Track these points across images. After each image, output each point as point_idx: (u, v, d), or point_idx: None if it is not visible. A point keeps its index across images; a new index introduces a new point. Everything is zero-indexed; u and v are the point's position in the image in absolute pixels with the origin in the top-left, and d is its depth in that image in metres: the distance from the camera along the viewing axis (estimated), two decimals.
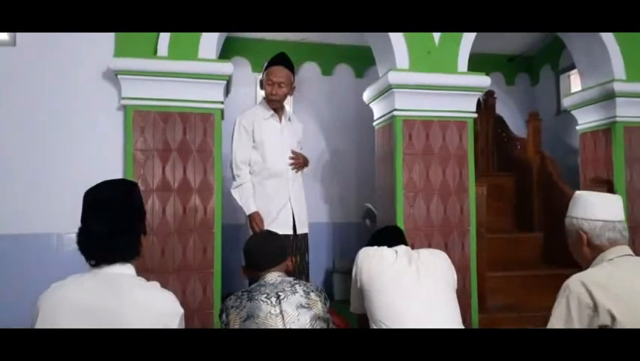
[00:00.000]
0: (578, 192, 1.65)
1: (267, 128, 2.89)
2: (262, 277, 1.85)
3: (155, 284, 1.36)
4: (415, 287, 1.86)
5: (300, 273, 2.81)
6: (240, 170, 2.85)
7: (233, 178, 2.87)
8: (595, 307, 1.36)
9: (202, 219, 2.81)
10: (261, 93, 2.99)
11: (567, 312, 1.40)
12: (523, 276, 3.47)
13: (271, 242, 1.98)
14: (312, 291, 1.83)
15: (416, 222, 3.08)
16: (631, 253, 1.53)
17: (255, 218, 2.81)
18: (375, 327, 1.86)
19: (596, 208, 1.56)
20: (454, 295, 1.95)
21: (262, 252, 1.91)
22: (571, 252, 1.64)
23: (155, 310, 1.28)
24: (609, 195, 1.64)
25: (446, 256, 2.07)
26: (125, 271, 1.34)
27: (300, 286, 1.82)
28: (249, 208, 2.82)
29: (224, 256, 2.88)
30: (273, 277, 1.84)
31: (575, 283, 1.43)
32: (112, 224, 1.32)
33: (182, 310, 1.33)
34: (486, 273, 3.18)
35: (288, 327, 1.70)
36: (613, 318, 1.33)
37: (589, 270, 1.51)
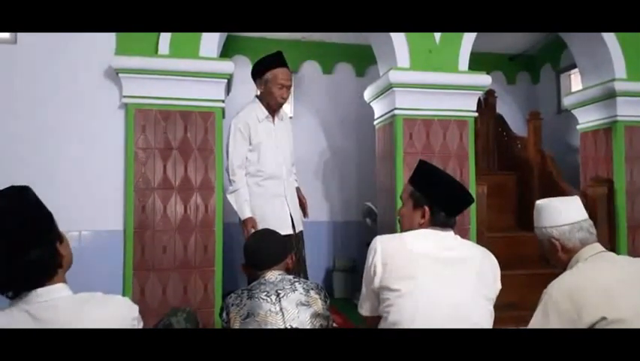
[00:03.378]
0: (538, 202, 1.70)
1: (262, 130, 2.82)
2: (262, 276, 1.85)
3: (97, 295, 1.17)
4: (444, 295, 1.47)
5: (298, 269, 2.81)
6: (235, 175, 2.77)
7: (230, 182, 2.80)
8: (577, 310, 1.39)
9: (203, 217, 2.82)
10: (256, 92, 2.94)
11: (544, 317, 1.45)
12: (523, 275, 3.48)
13: (272, 241, 1.98)
14: (312, 289, 1.83)
15: None
16: (602, 249, 1.58)
17: (247, 224, 2.73)
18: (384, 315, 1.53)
19: (559, 214, 1.62)
20: (491, 309, 1.57)
21: (263, 251, 1.91)
22: (548, 259, 1.69)
23: (110, 323, 1.13)
24: (567, 197, 1.70)
25: (494, 262, 1.62)
26: (57, 293, 1.11)
27: (300, 284, 1.83)
28: (244, 214, 2.75)
29: (225, 254, 2.89)
30: (273, 275, 1.84)
31: (553, 289, 1.48)
32: (9, 244, 1.06)
33: (136, 309, 1.21)
34: None
35: (288, 325, 1.71)
36: (602, 318, 1.36)
37: (566, 273, 1.55)
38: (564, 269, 1.60)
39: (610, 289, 1.41)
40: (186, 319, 2.06)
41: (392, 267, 1.51)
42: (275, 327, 1.69)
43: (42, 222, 1.14)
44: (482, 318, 1.51)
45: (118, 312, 1.16)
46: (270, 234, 2.07)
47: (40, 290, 1.10)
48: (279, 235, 2.08)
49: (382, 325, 1.53)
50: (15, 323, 1.06)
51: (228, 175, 2.80)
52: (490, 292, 1.57)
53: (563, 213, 1.62)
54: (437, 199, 1.59)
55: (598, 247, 1.58)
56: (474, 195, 3.18)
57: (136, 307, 1.21)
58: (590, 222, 1.62)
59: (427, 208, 1.59)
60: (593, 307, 1.37)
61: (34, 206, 1.15)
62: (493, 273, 1.59)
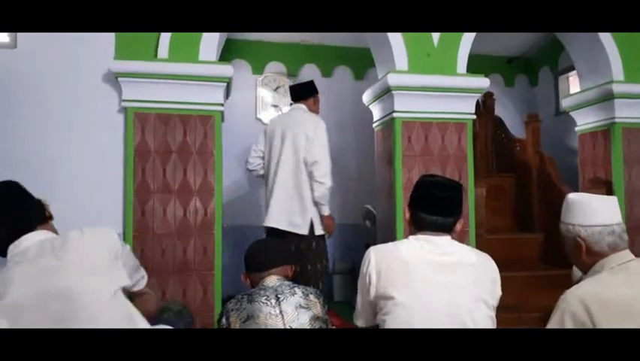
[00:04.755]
0: (571, 195, 1.53)
1: None
2: (262, 281, 1.87)
3: (76, 231, 1.38)
4: (441, 301, 1.46)
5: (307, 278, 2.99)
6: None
7: (326, 177, 3.10)
8: (593, 324, 1.29)
9: (202, 220, 2.82)
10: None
11: (560, 325, 1.34)
12: (522, 277, 3.48)
13: (272, 245, 2.02)
14: (311, 293, 1.85)
15: None
16: (631, 258, 1.44)
17: (331, 218, 3.18)
18: (381, 322, 1.53)
19: (593, 213, 1.46)
20: (492, 315, 1.53)
21: (262, 252, 1.94)
22: (569, 258, 1.56)
23: (96, 251, 1.35)
24: (605, 197, 1.54)
25: (493, 267, 1.59)
26: (43, 236, 1.39)
27: (299, 288, 1.85)
28: (329, 209, 3.15)
29: (226, 257, 2.89)
30: (272, 280, 1.86)
31: (572, 297, 1.34)
32: (13, 198, 1.44)
33: (114, 231, 1.43)
34: None
35: (287, 326, 1.72)
36: None
37: (588, 282, 1.42)
38: (585, 272, 1.49)
39: (632, 306, 1.30)
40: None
41: (386, 275, 1.50)
42: (275, 328, 1.70)
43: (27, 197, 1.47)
44: (482, 324, 1.47)
45: (100, 237, 1.38)
46: (270, 239, 2.10)
47: (29, 234, 1.37)
48: (282, 242, 2.13)
49: (379, 302, 1.52)
50: (23, 265, 1.31)
51: (324, 170, 3.10)
52: (490, 298, 1.52)
53: (597, 213, 1.46)
54: (412, 198, 1.62)
55: (627, 255, 1.44)
56: (472, 198, 3.20)
57: (113, 230, 1.43)
58: (624, 227, 1.47)
59: (405, 207, 1.64)
60: (612, 324, 1.27)
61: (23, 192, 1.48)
62: (492, 278, 1.55)
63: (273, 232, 3.05)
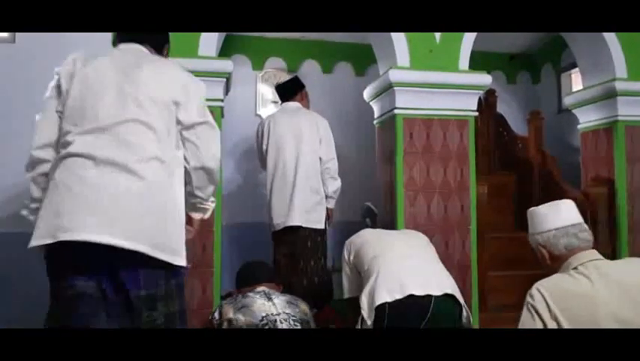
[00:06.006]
0: (529, 209, 1.64)
1: None
2: (253, 290, 2.15)
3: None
4: (398, 238, 2.41)
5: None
6: None
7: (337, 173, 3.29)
8: (549, 312, 1.35)
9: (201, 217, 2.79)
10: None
11: (531, 320, 1.39)
12: (524, 275, 3.43)
13: (263, 264, 2.43)
14: (299, 299, 2.17)
15: (416, 221, 3.07)
16: (598, 257, 1.46)
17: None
18: (365, 274, 2.14)
19: (544, 219, 1.55)
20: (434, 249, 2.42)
21: (254, 269, 2.28)
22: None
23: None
24: (556, 201, 1.61)
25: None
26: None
27: (288, 294, 2.18)
28: None
29: (225, 255, 2.88)
30: (263, 287, 2.15)
31: (532, 290, 1.42)
32: None
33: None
34: (487, 272, 3.17)
35: (280, 310, 2.00)
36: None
37: (553, 277, 1.47)
38: None
39: (589, 297, 1.34)
40: None
41: (357, 242, 2.33)
42: (269, 313, 1.97)
43: None
44: (432, 251, 2.38)
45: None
46: (261, 261, 2.52)
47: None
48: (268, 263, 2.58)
49: (359, 260, 2.24)
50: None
51: (335, 168, 3.31)
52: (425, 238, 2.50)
53: (548, 219, 1.53)
54: None
55: (591, 254, 1.46)
56: (474, 196, 3.18)
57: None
58: (582, 227, 1.51)
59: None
60: (568, 312, 1.32)
61: None
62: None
63: (284, 231, 3.17)
